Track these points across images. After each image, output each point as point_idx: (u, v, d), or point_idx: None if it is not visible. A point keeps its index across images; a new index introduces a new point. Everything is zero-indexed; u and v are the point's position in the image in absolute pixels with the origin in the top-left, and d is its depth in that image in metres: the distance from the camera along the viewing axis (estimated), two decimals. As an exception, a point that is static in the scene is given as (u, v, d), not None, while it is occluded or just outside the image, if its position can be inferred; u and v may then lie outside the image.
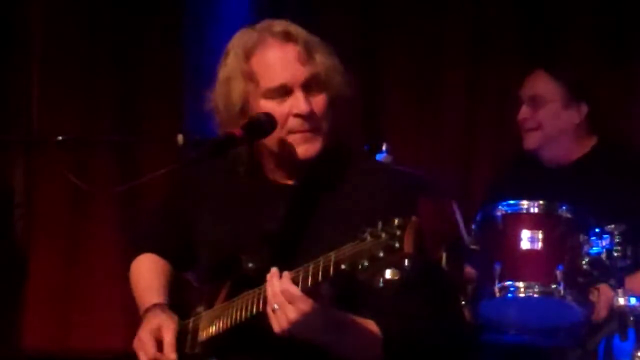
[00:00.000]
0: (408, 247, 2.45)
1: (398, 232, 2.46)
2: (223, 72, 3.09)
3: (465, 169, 5.61)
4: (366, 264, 2.50)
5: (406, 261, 2.46)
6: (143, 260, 3.35)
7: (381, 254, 2.47)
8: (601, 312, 4.07)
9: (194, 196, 3.22)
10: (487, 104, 5.60)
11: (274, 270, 2.77)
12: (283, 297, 2.70)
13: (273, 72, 2.98)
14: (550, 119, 4.63)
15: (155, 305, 3.14)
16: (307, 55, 2.98)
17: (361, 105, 5.58)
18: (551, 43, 5.50)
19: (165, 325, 3.05)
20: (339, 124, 3.05)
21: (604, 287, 4.06)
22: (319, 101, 2.99)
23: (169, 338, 3.02)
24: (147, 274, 3.30)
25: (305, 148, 2.99)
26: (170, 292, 3.22)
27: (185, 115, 5.64)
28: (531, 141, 4.68)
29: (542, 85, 4.66)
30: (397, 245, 2.46)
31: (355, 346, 2.82)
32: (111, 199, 5.61)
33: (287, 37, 3.00)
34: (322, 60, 3.00)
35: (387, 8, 5.67)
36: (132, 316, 5.59)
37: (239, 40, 3.06)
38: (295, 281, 2.71)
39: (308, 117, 2.97)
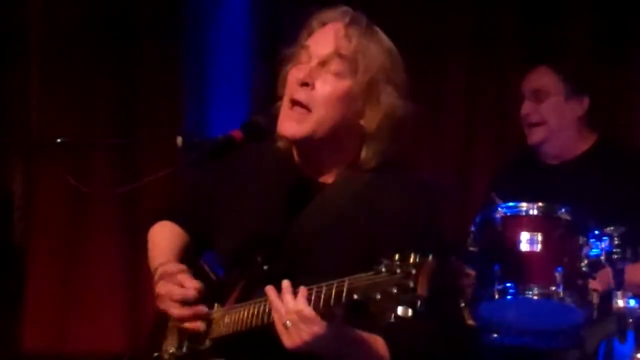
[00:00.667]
0: (422, 289, 2.44)
1: (413, 271, 2.44)
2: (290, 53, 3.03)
3: (464, 171, 5.61)
4: (379, 297, 2.48)
5: (419, 303, 2.45)
6: (164, 226, 3.31)
7: (395, 291, 2.46)
8: (598, 286, 4.07)
9: (223, 184, 3.17)
10: (487, 105, 5.61)
11: (286, 285, 2.73)
12: (297, 317, 2.68)
13: (312, 37, 2.96)
14: (553, 112, 4.65)
15: (162, 264, 3.11)
16: (347, 39, 2.91)
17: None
18: (551, 42, 5.50)
19: (177, 268, 3.04)
20: (380, 139, 2.94)
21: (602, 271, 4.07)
22: (328, 85, 2.90)
23: (185, 277, 3.00)
24: (166, 238, 3.27)
25: (288, 125, 2.92)
26: (185, 258, 3.18)
27: (185, 118, 5.65)
28: (535, 135, 4.69)
29: (545, 79, 4.68)
30: (411, 285, 2.44)
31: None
32: (110, 201, 5.61)
33: (342, 15, 2.96)
34: (361, 49, 2.91)
35: (385, 9, 5.66)
36: (131, 319, 5.62)
37: (309, 20, 3.02)
38: (308, 301, 2.68)
39: (302, 87, 2.89)
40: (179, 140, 2.98)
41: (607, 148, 4.68)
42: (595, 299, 4.06)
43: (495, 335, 4.26)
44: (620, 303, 3.93)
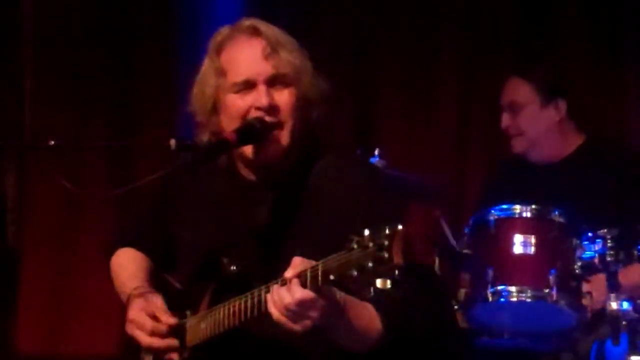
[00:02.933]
0: (397, 257, 2.44)
1: (386, 242, 2.44)
2: (201, 70, 3.12)
3: (458, 174, 5.61)
4: (355, 274, 2.49)
5: (396, 271, 2.45)
6: (124, 253, 3.37)
7: (370, 265, 2.46)
8: (598, 302, 4.07)
9: (176, 197, 3.23)
10: (480, 108, 5.60)
11: (294, 283, 2.71)
12: (300, 306, 2.67)
13: (238, 67, 3.02)
14: (530, 122, 4.67)
15: (137, 288, 3.15)
16: (272, 50, 3.00)
17: (354, 109, 5.58)
18: (544, 45, 5.51)
19: (152, 298, 3.06)
20: (318, 122, 3.06)
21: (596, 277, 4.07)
22: (283, 96, 3.00)
23: (159, 308, 3.03)
24: (129, 264, 3.32)
25: (274, 148, 3.01)
26: (152, 283, 3.21)
27: (178, 120, 5.64)
28: (517, 146, 4.74)
29: (516, 90, 4.71)
30: (385, 255, 2.44)
31: (354, 326, 2.80)
32: (104, 204, 5.60)
33: (254, 32, 3.04)
34: (288, 57, 3.00)
35: (380, 11, 5.67)
36: (125, 322, 5.60)
37: (214, 37, 3.12)
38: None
39: (269, 111, 2.98)
40: (173, 143, 2.98)
41: (595, 148, 4.70)
42: (588, 301, 4.07)
43: (489, 338, 4.26)
44: (614, 305, 3.93)
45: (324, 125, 3.10)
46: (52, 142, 3.24)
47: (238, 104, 3.01)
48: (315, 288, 2.61)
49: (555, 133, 4.68)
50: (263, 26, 3.06)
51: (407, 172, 4.72)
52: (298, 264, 2.68)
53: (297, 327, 2.69)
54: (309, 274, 2.62)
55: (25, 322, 5.61)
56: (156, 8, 5.73)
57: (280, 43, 3.02)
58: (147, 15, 5.73)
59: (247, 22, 3.08)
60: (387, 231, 2.46)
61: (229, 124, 3.02)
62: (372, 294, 2.50)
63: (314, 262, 2.62)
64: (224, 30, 3.11)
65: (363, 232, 2.49)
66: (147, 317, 3.03)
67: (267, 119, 2.98)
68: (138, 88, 5.74)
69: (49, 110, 5.63)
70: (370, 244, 2.47)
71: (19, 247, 5.64)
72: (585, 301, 4.06)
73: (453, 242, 4.28)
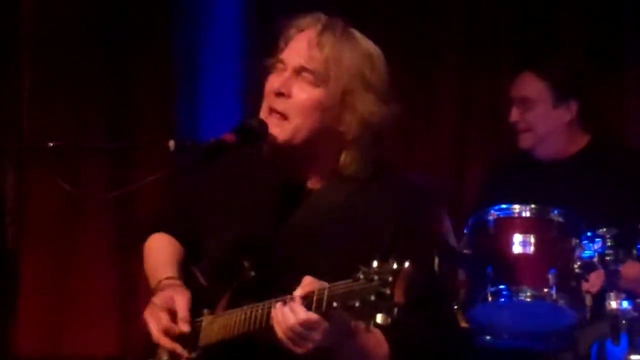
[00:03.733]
0: (398, 296, 2.45)
1: (390, 279, 2.45)
2: None
3: (457, 173, 5.61)
4: (357, 305, 2.50)
5: (395, 310, 2.46)
6: (159, 237, 3.31)
7: (372, 298, 2.47)
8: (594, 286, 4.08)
9: (209, 191, 3.18)
10: (480, 108, 5.60)
11: (297, 303, 2.70)
12: (304, 327, 2.66)
13: (285, 45, 3.00)
14: (541, 119, 4.65)
15: (169, 278, 3.11)
16: (320, 48, 2.93)
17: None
18: (544, 43, 5.50)
19: (179, 296, 3.02)
20: (359, 143, 2.96)
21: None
22: (304, 93, 2.93)
23: (181, 310, 2.98)
24: (162, 250, 3.27)
25: (271, 131, 2.95)
26: (182, 272, 3.18)
27: (177, 121, 5.64)
28: (524, 142, 4.71)
29: (530, 86, 4.68)
30: (387, 292, 2.45)
31: (361, 352, 2.80)
32: (103, 205, 5.60)
33: (315, 22, 2.99)
34: (332, 58, 2.93)
35: (379, 12, 5.67)
36: (125, 322, 5.61)
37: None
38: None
39: (278, 96, 2.93)
40: (172, 143, 2.97)
41: (599, 149, 4.69)
42: (588, 300, 4.07)
43: (489, 338, 4.26)
44: (614, 305, 3.94)
45: (372, 150, 2.98)
46: (51, 143, 3.22)
47: (269, 83, 2.98)
48: (319, 312, 2.61)
49: (563, 133, 4.67)
50: (329, 22, 3.00)
51: (406, 172, 4.72)
52: (307, 283, 2.67)
53: (297, 349, 2.69)
54: (315, 297, 2.62)
55: (24, 322, 5.60)
56: (155, 9, 5.73)
57: (335, 44, 2.94)
58: (145, 16, 5.72)
59: (319, 14, 3.02)
60: (393, 266, 2.47)
61: (264, 102, 3.00)
62: (371, 326, 2.50)
63: (323, 284, 2.62)
64: (305, 15, 3.03)
65: (371, 264, 2.50)
66: (165, 313, 3.00)
67: (273, 104, 2.93)
68: (137, 89, 5.74)
69: (47, 111, 5.62)
70: (375, 277, 2.48)
71: (18, 248, 5.64)
72: (584, 300, 4.07)
73: (454, 242, 4.27)
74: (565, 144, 4.69)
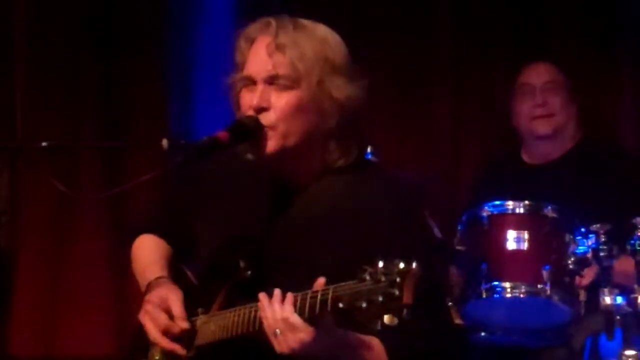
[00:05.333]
0: (407, 297, 2.42)
1: (398, 279, 2.43)
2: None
3: (451, 171, 5.61)
4: (364, 305, 2.47)
5: (404, 311, 2.44)
6: (146, 238, 3.31)
7: (380, 299, 2.44)
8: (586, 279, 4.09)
9: (200, 188, 3.18)
10: (474, 106, 5.61)
11: (277, 293, 2.72)
12: (284, 325, 2.67)
13: (246, 62, 2.99)
14: (563, 106, 4.72)
15: (159, 278, 3.10)
16: (277, 49, 2.92)
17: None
18: (538, 44, 5.51)
19: (173, 295, 3.01)
20: (339, 131, 2.96)
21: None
22: (280, 98, 2.92)
23: (177, 308, 2.98)
24: (151, 250, 3.26)
25: (262, 146, 2.94)
26: (171, 273, 3.18)
27: (171, 120, 5.64)
28: (544, 127, 4.73)
29: (554, 73, 4.75)
30: (396, 293, 2.43)
31: None
32: (97, 205, 5.59)
33: (266, 27, 2.97)
34: (295, 57, 2.91)
35: (372, 9, 5.67)
36: (119, 322, 5.60)
37: (242, 29, 3.05)
38: (294, 308, 2.68)
39: (260, 112, 2.92)
40: (165, 142, 2.96)
41: (591, 146, 4.72)
42: (582, 296, 4.08)
43: (483, 334, 4.27)
44: (608, 300, 3.94)
45: (350, 134, 2.99)
46: (45, 143, 3.23)
47: (244, 99, 2.98)
48: (322, 312, 2.60)
49: (571, 127, 4.74)
50: (278, 22, 2.97)
51: (400, 170, 4.73)
52: (319, 284, 2.66)
53: (277, 348, 2.69)
54: (319, 297, 2.61)
55: (19, 323, 5.59)
56: (148, 8, 5.72)
57: (293, 42, 2.93)
58: (139, 15, 5.72)
59: (270, 18, 2.99)
60: (400, 266, 2.44)
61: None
62: (378, 327, 2.47)
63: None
64: (253, 23, 3.03)
65: (377, 264, 2.48)
66: (162, 312, 2.99)
67: (261, 119, 2.94)
68: (130, 88, 5.73)
69: (41, 110, 5.62)
70: (382, 278, 2.45)
71: (12, 247, 5.64)
72: (579, 296, 4.07)
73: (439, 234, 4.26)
74: (568, 138, 4.73)
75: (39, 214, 5.62)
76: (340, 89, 2.94)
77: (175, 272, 3.17)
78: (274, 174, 3.03)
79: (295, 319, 2.66)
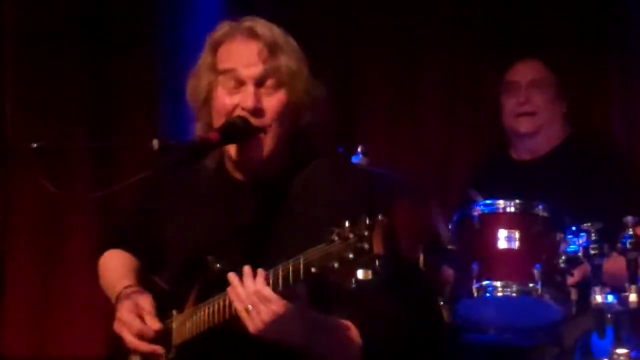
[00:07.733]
0: (377, 247, 2.45)
1: (366, 233, 2.45)
2: (197, 63, 3.12)
3: (442, 170, 5.61)
4: (336, 265, 2.50)
5: (377, 262, 2.46)
6: (113, 254, 3.37)
7: (351, 256, 2.47)
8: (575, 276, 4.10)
9: (163, 198, 3.23)
10: (465, 104, 5.61)
11: (247, 270, 2.76)
12: (256, 298, 2.69)
13: (232, 65, 3.00)
14: (546, 105, 4.73)
15: (127, 287, 3.14)
16: (268, 53, 2.97)
17: (336, 107, 5.58)
18: (529, 41, 5.51)
19: (142, 300, 3.05)
20: (308, 127, 3.03)
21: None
22: (272, 100, 2.97)
23: (148, 310, 3.02)
24: (117, 266, 3.32)
25: (255, 152, 2.99)
26: (140, 284, 3.21)
27: (161, 120, 5.63)
28: (526, 125, 4.75)
29: (540, 71, 4.75)
30: (366, 246, 2.45)
31: (333, 347, 2.82)
32: (87, 206, 5.58)
33: (252, 34, 3.01)
34: (283, 60, 2.97)
35: (363, 8, 5.67)
36: (110, 322, 5.58)
37: (213, 32, 3.08)
38: (267, 283, 2.71)
39: (254, 113, 2.96)
40: (155, 143, 2.97)
41: (579, 142, 4.73)
42: (573, 295, 4.08)
43: (474, 333, 4.27)
44: (599, 299, 3.94)
45: (315, 130, 3.08)
46: (35, 144, 3.22)
47: (226, 101, 3.00)
48: (295, 283, 2.63)
49: (558, 124, 4.76)
50: (262, 28, 3.02)
51: (390, 169, 4.72)
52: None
53: (250, 326, 2.71)
54: (290, 267, 2.63)
55: (10, 323, 5.59)
56: (138, 7, 5.72)
57: (278, 46, 2.99)
58: (128, 14, 5.71)
59: (248, 22, 3.04)
60: (367, 222, 2.46)
61: (217, 120, 3.02)
62: (354, 285, 2.49)
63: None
64: (224, 27, 3.07)
65: (343, 224, 2.49)
66: (135, 318, 3.02)
67: (252, 121, 2.97)
68: (120, 88, 5.72)
69: (30, 112, 5.61)
70: (351, 235, 2.48)
71: (2, 249, 5.62)
72: (570, 295, 4.07)
73: (446, 233, 4.27)
74: (555, 135, 4.73)
75: (29, 214, 5.61)
76: (315, 87, 3.02)
77: (145, 281, 3.20)
78: (232, 173, 3.07)
79: (268, 291, 2.69)
